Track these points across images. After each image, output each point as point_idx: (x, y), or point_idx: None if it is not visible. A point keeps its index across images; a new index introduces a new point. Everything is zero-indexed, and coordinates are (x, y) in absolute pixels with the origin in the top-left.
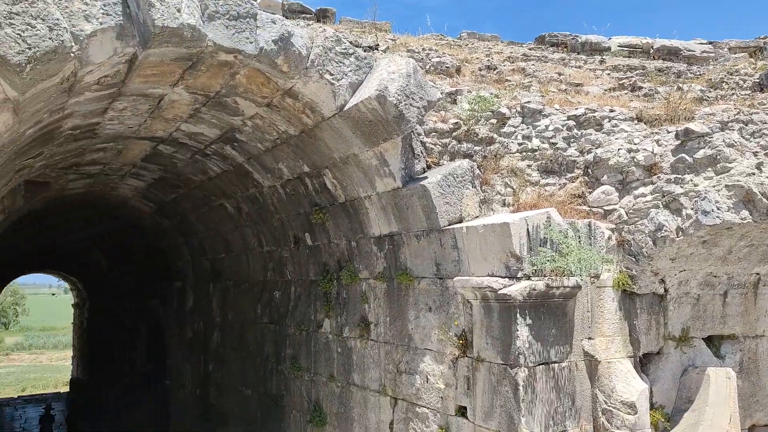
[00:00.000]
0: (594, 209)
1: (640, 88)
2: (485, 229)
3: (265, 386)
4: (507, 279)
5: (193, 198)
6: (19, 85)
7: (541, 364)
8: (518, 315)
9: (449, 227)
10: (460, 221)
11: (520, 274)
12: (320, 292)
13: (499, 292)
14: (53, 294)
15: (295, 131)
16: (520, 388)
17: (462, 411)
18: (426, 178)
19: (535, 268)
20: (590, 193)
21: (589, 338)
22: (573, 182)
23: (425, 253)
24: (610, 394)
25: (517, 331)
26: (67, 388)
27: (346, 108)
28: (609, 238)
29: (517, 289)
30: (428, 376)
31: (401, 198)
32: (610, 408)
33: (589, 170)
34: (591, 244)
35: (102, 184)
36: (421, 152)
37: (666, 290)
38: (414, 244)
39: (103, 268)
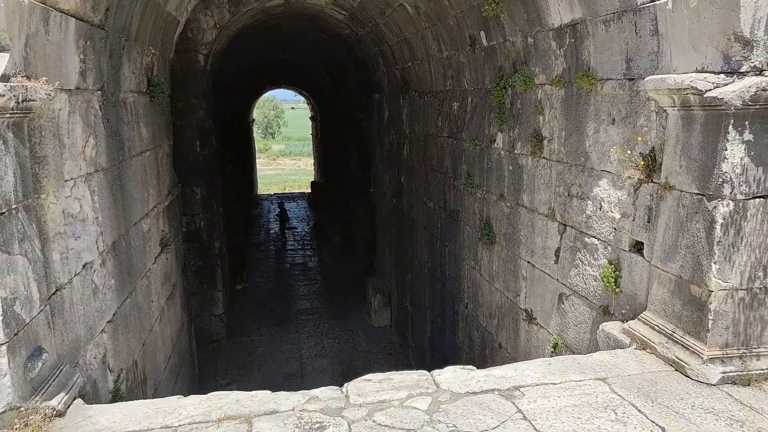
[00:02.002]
0: None
1: None
2: (699, 1)
3: (444, 200)
4: (723, 75)
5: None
6: None
7: (758, 197)
8: (731, 127)
9: (649, 4)
10: None
11: (744, 68)
12: (494, 103)
13: (705, 95)
14: (292, 108)
15: None
16: (718, 226)
17: (638, 247)
18: None
19: None
20: None
21: None
22: None
23: (614, 45)
24: None
25: (726, 150)
26: (309, 189)
27: None
28: None
29: (734, 90)
30: (602, 203)
31: None
32: None
33: None
34: None
35: None
36: None
37: None
38: (600, 34)
39: (325, 83)
